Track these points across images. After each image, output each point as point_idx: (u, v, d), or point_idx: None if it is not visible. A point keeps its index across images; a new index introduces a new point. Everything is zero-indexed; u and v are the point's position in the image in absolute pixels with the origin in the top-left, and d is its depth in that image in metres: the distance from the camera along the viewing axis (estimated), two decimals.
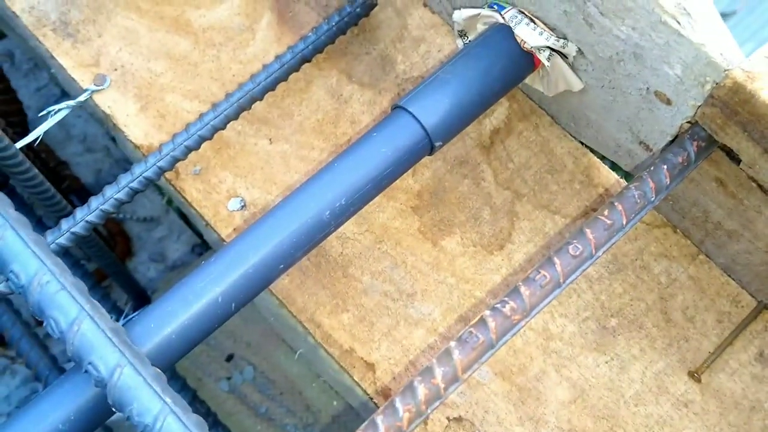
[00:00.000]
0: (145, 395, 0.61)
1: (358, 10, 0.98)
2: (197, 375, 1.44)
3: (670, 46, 0.65)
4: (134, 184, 0.89)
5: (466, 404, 0.86)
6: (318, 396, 1.30)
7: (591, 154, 0.94)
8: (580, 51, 0.78)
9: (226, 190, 0.97)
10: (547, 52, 0.79)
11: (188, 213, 1.02)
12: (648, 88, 0.73)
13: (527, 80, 0.87)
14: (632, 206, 0.67)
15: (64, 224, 0.86)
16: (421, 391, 0.61)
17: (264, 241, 0.77)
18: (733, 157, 0.70)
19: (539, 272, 0.65)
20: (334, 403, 1.31)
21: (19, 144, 0.99)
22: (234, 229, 0.95)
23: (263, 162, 0.98)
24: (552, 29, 0.78)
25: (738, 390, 0.86)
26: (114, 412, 0.67)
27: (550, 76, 0.83)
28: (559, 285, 0.65)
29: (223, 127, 0.93)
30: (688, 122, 0.72)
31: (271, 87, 0.95)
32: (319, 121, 1.00)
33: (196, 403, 1.26)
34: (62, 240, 0.85)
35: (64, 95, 1.02)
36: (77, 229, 0.86)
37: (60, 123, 1.04)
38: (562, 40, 0.78)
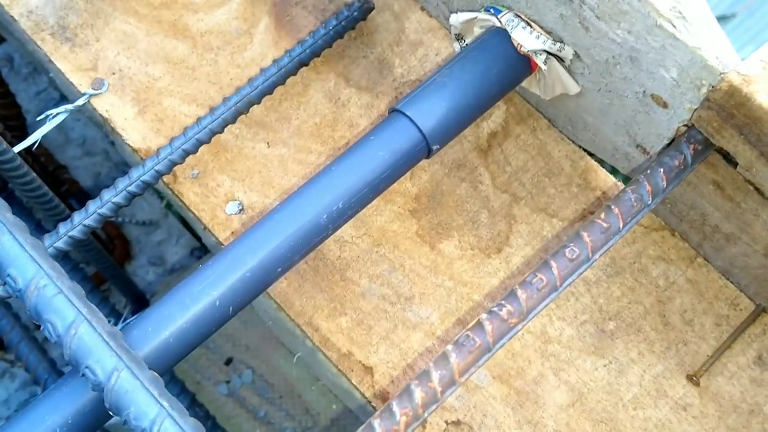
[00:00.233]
0: (142, 399, 0.61)
1: (355, 14, 0.99)
2: (196, 378, 1.44)
3: (666, 49, 0.65)
4: (132, 188, 0.89)
5: (464, 408, 0.86)
6: (317, 399, 1.30)
7: (588, 157, 0.94)
8: (576, 54, 0.78)
9: (224, 194, 0.97)
10: (544, 55, 0.79)
11: (186, 216, 1.02)
12: (644, 92, 0.73)
13: (524, 83, 0.87)
14: (629, 209, 0.67)
15: (62, 228, 0.86)
16: (418, 394, 0.61)
17: (261, 244, 0.77)
18: (730, 160, 0.70)
19: (536, 275, 0.65)
20: (333, 406, 1.31)
21: (17, 148, 0.99)
22: (232, 232, 0.95)
23: (261, 166, 0.98)
24: (548, 33, 0.78)
25: (736, 393, 0.86)
26: (111, 416, 0.67)
27: (547, 79, 0.83)
28: (556, 288, 0.65)
29: (221, 131, 0.93)
30: (684, 125, 0.72)
31: (269, 91, 0.96)
32: (316, 124, 1.00)
33: (194, 406, 1.26)
34: (60, 244, 0.85)
35: (63, 99, 1.02)
36: (75, 233, 0.86)
37: (59, 127, 1.04)
38: (558, 44, 0.78)
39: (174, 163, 0.91)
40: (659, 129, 0.75)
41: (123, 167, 1.63)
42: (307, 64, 0.97)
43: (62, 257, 0.88)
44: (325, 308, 0.92)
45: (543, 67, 0.80)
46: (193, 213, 0.96)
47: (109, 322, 1.13)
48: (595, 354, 0.88)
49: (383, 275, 0.93)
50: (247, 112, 0.95)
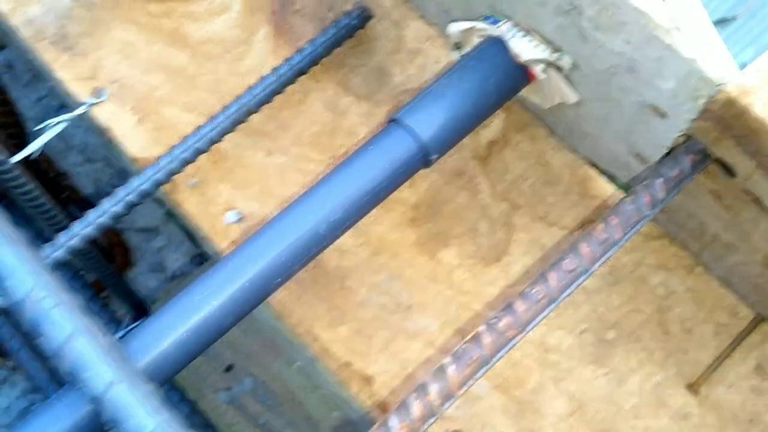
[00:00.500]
0: (140, 413, 0.61)
1: (354, 22, 0.99)
2: (197, 386, 1.44)
3: (663, 60, 0.65)
4: (131, 198, 0.89)
5: (464, 417, 0.86)
6: (318, 407, 1.30)
7: (587, 166, 0.94)
8: (575, 64, 0.78)
9: (223, 203, 0.97)
10: (542, 65, 0.79)
11: (186, 225, 1.02)
12: (643, 102, 0.73)
13: (523, 92, 0.87)
14: (627, 220, 0.67)
15: (61, 238, 0.86)
16: (416, 407, 0.61)
17: (260, 254, 0.78)
18: (729, 170, 0.70)
19: (534, 287, 0.65)
20: (334, 414, 1.31)
21: (15, 158, 0.99)
22: (231, 242, 0.95)
23: (260, 174, 0.98)
24: (548, 42, 0.78)
25: (736, 403, 0.86)
26: (110, 430, 0.67)
27: (545, 89, 0.83)
28: (554, 300, 0.65)
29: (220, 140, 0.93)
30: (683, 135, 0.72)
31: (268, 99, 0.96)
32: (316, 133, 1.00)
33: (195, 414, 1.26)
34: (59, 254, 0.85)
35: (64, 106, 1.02)
36: (74, 243, 0.86)
37: (60, 133, 1.04)
38: (557, 53, 0.78)
39: (173, 173, 0.91)
40: (658, 138, 0.75)
41: (124, 174, 1.63)
42: (305, 73, 0.97)
43: (62, 265, 0.88)
44: (325, 317, 0.92)
45: (541, 76, 0.80)
46: (193, 222, 0.96)
47: (109, 329, 1.14)
48: (595, 363, 0.88)
49: (382, 284, 0.93)
50: (246, 120, 0.95)
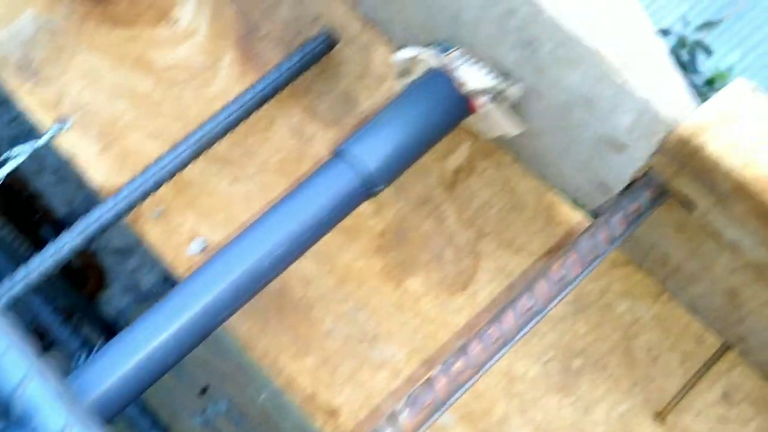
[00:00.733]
0: None
1: (319, 48, 0.98)
2: (171, 409, 1.43)
3: (618, 97, 0.65)
4: (91, 231, 0.88)
5: None
6: (293, 429, 1.29)
7: (553, 192, 0.94)
8: (537, 94, 0.77)
9: (188, 232, 0.96)
10: (485, 96, 0.79)
11: (152, 254, 1.01)
12: (601, 135, 0.72)
13: (469, 121, 0.87)
14: (585, 257, 0.66)
15: (20, 273, 0.85)
16: None
17: (204, 291, 0.78)
18: (688, 205, 0.69)
19: (489, 328, 0.64)
20: None
21: None
22: None
23: (225, 202, 0.97)
24: (502, 72, 0.78)
25: (703, 431, 0.85)
26: None
27: (486, 121, 0.83)
28: (509, 341, 0.64)
29: (182, 169, 0.92)
30: (642, 169, 0.71)
31: (231, 127, 0.95)
32: (282, 160, 0.99)
33: None
34: (16, 290, 0.84)
35: (35, 129, 1.02)
36: (32, 278, 0.85)
37: (33, 154, 1.03)
38: (505, 82, 0.77)
39: (134, 204, 0.90)
40: (618, 171, 0.75)
41: (97, 195, 1.61)
42: (271, 99, 0.97)
43: (34, 291, 0.87)
44: (290, 348, 0.91)
45: (481, 110, 0.80)
46: (156, 253, 0.95)
47: (80, 354, 1.12)
48: (561, 392, 0.87)
49: (348, 314, 0.92)
50: (210, 148, 0.94)
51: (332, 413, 0.87)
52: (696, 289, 0.81)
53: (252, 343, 0.91)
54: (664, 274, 0.85)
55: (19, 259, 1.12)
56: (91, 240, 0.88)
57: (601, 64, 0.64)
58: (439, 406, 0.61)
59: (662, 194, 0.70)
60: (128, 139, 1.00)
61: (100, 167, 0.99)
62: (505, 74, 0.78)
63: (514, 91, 0.78)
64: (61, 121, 1.01)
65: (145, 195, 0.90)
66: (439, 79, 0.81)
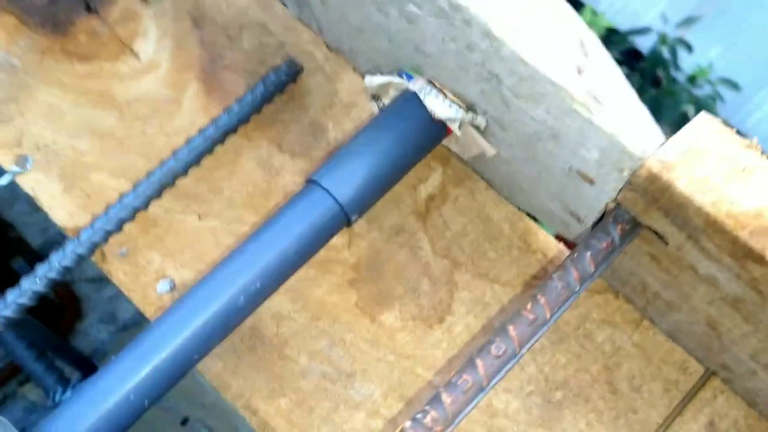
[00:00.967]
0: None
1: (283, 78, 0.95)
2: None
3: (584, 131, 0.63)
4: (52, 275, 0.85)
5: None
6: None
7: (528, 219, 0.91)
8: (496, 125, 0.75)
9: (155, 271, 0.93)
10: (458, 122, 0.77)
11: (120, 294, 0.99)
12: (570, 167, 0.70)
13: (444, 141, 0.85)
14: (556, 298, 0.64)
15: None
16: None
17: (174, 333, 0.75)
18: (661, 238, 0.67)
19: (461, 376, 0.61)
20: None
21: None
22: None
23: (192, 240, 0.94)
24: (467, 103, 0.76)
25: None
26: None
27: (462, 141, 0.81)
28: (482, 389, 0.62)
29: (145, 208, 0.90)
30: (613, 202, 0.69)
31: (195, 162, 0.92)
32: (249, 194, 0.96)
33: None
34: None
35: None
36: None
37: (6, 184, 1.00)
38: (471, 114, 0.75)
39: (96, 246, 0.87)
40: (589, 202, 0.73)
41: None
42: (236, 132, 0.94)
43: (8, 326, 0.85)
44: (264, 389, 0.88)
45: (457, 133, 0.78)
46: (124, 293, 0.93)
47: (56, 390, 1.10)
48: (543, 427, 0.85)
49: (323, 351, 0.89)
50: (173, 185, 0.92)
51: None
52: (676, 318, 0.79)
53: (225, 383, 0.88)
54: (643, 302, 0.83)
55: None
56: (54, 283, 0.85)
57: (565, 98, 0.62)
58: None
59: (633, 229, 0.68)
60: (91, 178, 0.98)
61: (62, 207, 0.97)
62: (470, 105, 0.76)
63: (480, 121, 0.76)
64: (21, 162, 0.98)
65: (107, 236, 0.87)
66: (413, 102, 0.79)
